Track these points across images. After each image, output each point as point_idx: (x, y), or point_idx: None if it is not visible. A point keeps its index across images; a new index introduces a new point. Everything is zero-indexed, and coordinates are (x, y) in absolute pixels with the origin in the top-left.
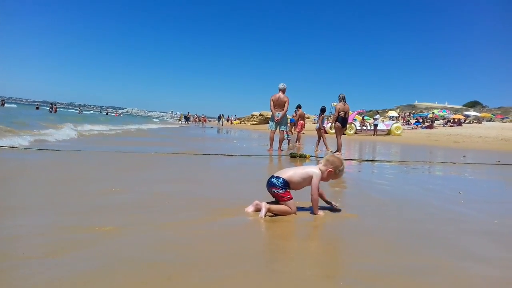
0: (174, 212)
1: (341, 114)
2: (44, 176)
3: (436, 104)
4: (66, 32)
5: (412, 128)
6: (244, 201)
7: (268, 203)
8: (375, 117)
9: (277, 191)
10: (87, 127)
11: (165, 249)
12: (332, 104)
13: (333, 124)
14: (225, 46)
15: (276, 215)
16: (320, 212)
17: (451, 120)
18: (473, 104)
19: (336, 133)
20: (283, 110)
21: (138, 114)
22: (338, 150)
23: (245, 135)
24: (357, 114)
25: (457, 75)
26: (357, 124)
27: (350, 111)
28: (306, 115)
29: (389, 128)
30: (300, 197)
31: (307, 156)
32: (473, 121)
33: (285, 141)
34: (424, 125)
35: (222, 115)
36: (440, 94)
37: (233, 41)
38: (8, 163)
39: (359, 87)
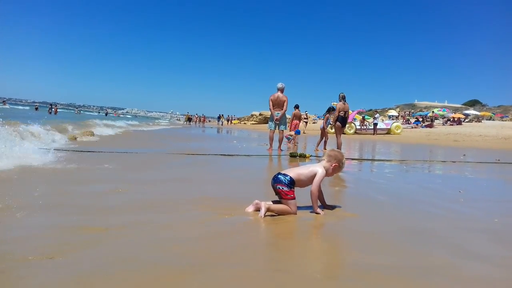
0: (174, 212)
1: (341, 113)
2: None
3: (435, 103)
4: (66, 32)
5: (412, 127)
6: (244, 201)
7: (274, 202)
8: (375, 116)
9: (282, 188)
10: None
11: (166, 249)
12: (332, 103)
13: (333, 124)
14: (224, 45)
15: (276, 214)
16: (319, 211)
17: (451, 119)
18: (473, 103)
19: (336, 132)
20: (282, 109)
21: (138, 114)
22: (338, 149)
23: (245, 135)
24: (357, 113)
25: (457, 74)
26: (357, 123)
27: (350, 111)
28: (309, 115)
29: (389, 127)
30: (300, 198)
31: (307, 155)
32: (473, 120)
33: (286, 141)
34: (424, 124)
35: (222, 115)
36: (439, 93)
37: (232, 40)
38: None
39: (359, 86)
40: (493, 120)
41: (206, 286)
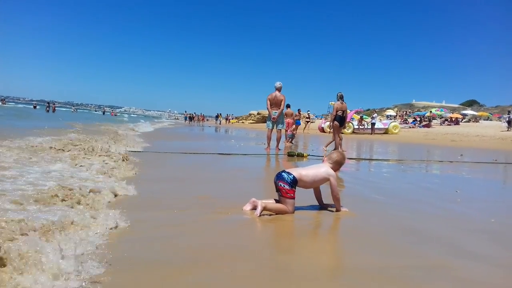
0: (172, 211)
1: (339, 113)
2: None
3: (433, 103)
4: (64, 31)
5: (410, 127)
6: (242, 200)
7: (275, 200)
8: (373, 115)
9: (284, 186)
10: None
11: (165, 248)
12: (330, 103)
13: (331, 123)
14: (222, 44)
15: (273, 214)
16: (344, 208)
17: (449, 119)
18: (470, 103)
19: (334, 131)
20: (279, 108)
21: (135, 113)
22: (336, 149)
23: (243, 134)
24: (355, 113)
25: (455, 74)
26: (355, 123)
27: (348, 110)
28: (310, 115)
29: (386, 127)
30: (300, 198)
31: (304, 155)
32: (470, 120)
33: (284, 140)
34: (421, 124)
35: (220, 114)
36: (437, 93)
37: (230, 39)
38: None
39: (357, 86)
40: (491, 120)
41: (201, 285)
